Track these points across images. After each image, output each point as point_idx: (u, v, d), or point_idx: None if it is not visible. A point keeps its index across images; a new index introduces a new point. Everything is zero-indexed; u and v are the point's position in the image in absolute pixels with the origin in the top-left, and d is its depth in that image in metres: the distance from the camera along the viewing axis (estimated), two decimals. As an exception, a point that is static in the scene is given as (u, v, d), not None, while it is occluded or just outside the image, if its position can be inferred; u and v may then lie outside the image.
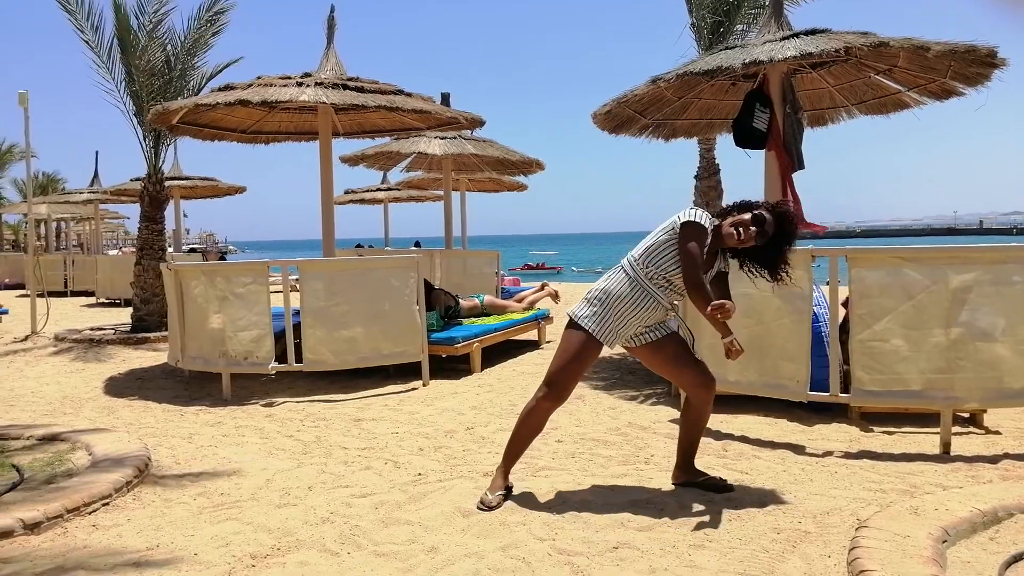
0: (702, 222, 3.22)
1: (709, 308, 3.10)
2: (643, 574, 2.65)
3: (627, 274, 3.34)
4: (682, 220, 3.24)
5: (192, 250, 23.39)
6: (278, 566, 2.79)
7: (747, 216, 3.25)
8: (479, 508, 3.32)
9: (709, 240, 3.26)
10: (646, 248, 3.34)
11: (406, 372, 6.43)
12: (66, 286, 17.77)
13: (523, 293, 9.38)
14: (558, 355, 3.36)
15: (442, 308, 7.35)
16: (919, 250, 4.20)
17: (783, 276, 3.36)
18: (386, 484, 3.72)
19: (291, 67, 7.02)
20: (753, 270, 3.40)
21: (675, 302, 3.41)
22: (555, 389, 3.35)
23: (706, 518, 3.16)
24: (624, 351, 7.52)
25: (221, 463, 4.15)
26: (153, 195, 9.53)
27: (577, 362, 3.32)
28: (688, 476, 3.58)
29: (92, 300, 15.85)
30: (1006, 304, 4.01)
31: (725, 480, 3.55)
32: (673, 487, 3.55)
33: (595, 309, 3.34)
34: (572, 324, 3.37)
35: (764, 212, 3.25)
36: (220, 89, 6.68)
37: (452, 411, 5.27)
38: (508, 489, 3.48)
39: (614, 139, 7.57)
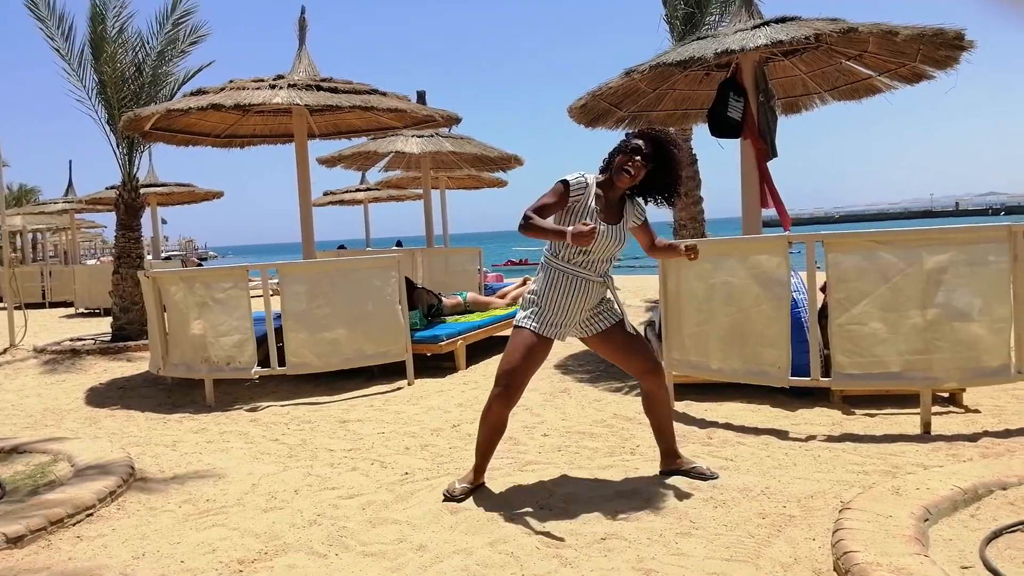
0: (568, 178, 3.30)
1: (577, 229, 3.04)
2: (630, 563, 2.67)
3: (547, 266, 3.39)
4: None
5: (168, 258, 23.18)
6: (266, 570, 2.78)
7: (625, 154, 3.31)
8: (444, 496, 3.38)
9: (587, 198, 3.29)
10: None
11: (391, 372, 6.41)
12: (44, 297, 17.56)
13: (505, 289, 9.37)
14: (506, 355, 3.38)
15: (424, 307, 7.34)
16: (893, 233, 4.24)
17: (680, 196, 3.48)
18: (373, 484, 3.71)
19: (263, 70, 6.96)
20: (659, 200, 3.46)
21: (604, 273, 3.39)
22: (506, 389, 3.35)
23: (692, 506, 3.18)
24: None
25: (206, 469, 4.13)
26: (128, 203, 9.43)
27: (524, 361, 3.33)
28: (671, 464, 3.62)
29: (71, 311, 15.67)
30: (981, 284, 4.07)
31: (709, 468, 3.59)
32: (660, 477, 3.57)
33: (531, 309, 3.38)
34: (516, 326, 3.42)
35: (634, 140, 3.32)
36: (192, 94, 6.62)
37: (438, 409, 5.27)
38: (478, 487, 3.50)
39: (592, 132, 7.59)
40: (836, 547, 2.57)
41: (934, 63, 6.05)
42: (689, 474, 3.54)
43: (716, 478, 3.51)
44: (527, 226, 3.19)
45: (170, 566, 2.86)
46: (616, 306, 3.49)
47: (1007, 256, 4.05)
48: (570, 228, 3.08)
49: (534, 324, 3.34)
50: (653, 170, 3.35)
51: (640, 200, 3.49)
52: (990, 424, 4.22)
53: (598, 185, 3.36)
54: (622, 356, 3.49)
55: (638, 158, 3.29)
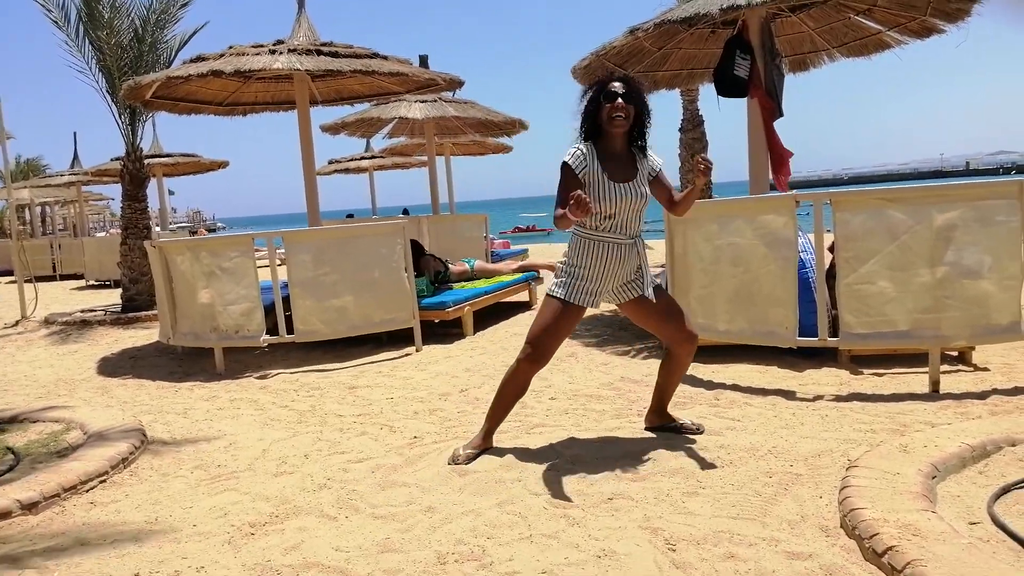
0: (567, 159, 3.26)
1: (571, 204, 2.96)
2: (637, 522, 2.69)
3: (574, 236, 3.37)
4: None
5: (175, 230, 23.14)
6: (277, 533, 2.82)
7: (606, 101, 3.23)
8: (448, 462, 3.41)
9: (594, 163, 3.25)
10: None
11: (398, 339, 6.43)
12: (54, 270, 17.66)
13: (508, 261, 9.41)
14: (537, 320, 3.37)
15: (431, 273, 7.33)
16: (902, 191, 4.19)
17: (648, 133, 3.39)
18: (382, 448, 3.74)
19: (263, 36, 6.88)
20: (649, 152, 3.39)
21: (634, 234, 3.34)
22: (537, 351, 3.35)
23: (699, 466, 3.19)
24: (611, 309, 7.54)
25: (217, 436, 4.17)
26: (133, 173, 9.41)
27: (556, 327, 3.33)
28: (661, 420, 3.68)
29: (81, 283, 15.75)
30: (991, 241, 4.02)
31: (697, 424, 3.65)
32: (666, 438, 3.58)
33: (562, 279, 3.37)
34: (548, 294, 3.41)
35: (609, 86, 3.24)
36: (192, 60, 6.55)
37: (446, 375, 5.29)
38: (486, 450, 3.52)
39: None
40: (843, 504, 2.58)
41: (945, 16, 5.94)
42: (677, 430, 3.62)
43: (701, 432, 3.59)
44: (555, 222, 3.20)
45: (183, 530, 2.90)
46: (648, 273, 3.44)
47: (1018, 213, 4.00)
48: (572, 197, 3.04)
49: (562, 292, 3.33)
50: (637, 107, 3.27)
51: (651, 150, 3.41)
52: (999, 382, 4.21)
53: (595, 147, 3.31)
54: (656, 322, 3.44)
55: (620, 100, 3.21)
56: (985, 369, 4.50)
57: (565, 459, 3.38)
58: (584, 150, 3.28)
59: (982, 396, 3.92)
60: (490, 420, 3.54)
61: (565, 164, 3.26)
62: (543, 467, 3.29)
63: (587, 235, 3.31)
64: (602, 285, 3.35)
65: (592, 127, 3.31)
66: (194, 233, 17.22)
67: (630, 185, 3.27)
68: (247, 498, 3.19)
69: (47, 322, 9.10)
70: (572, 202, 2.94)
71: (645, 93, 3.34)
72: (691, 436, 3.57)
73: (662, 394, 3.66)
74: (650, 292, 3.37)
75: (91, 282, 15.34)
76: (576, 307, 3.34)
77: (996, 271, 4.02)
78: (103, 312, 9.45)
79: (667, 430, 3.65)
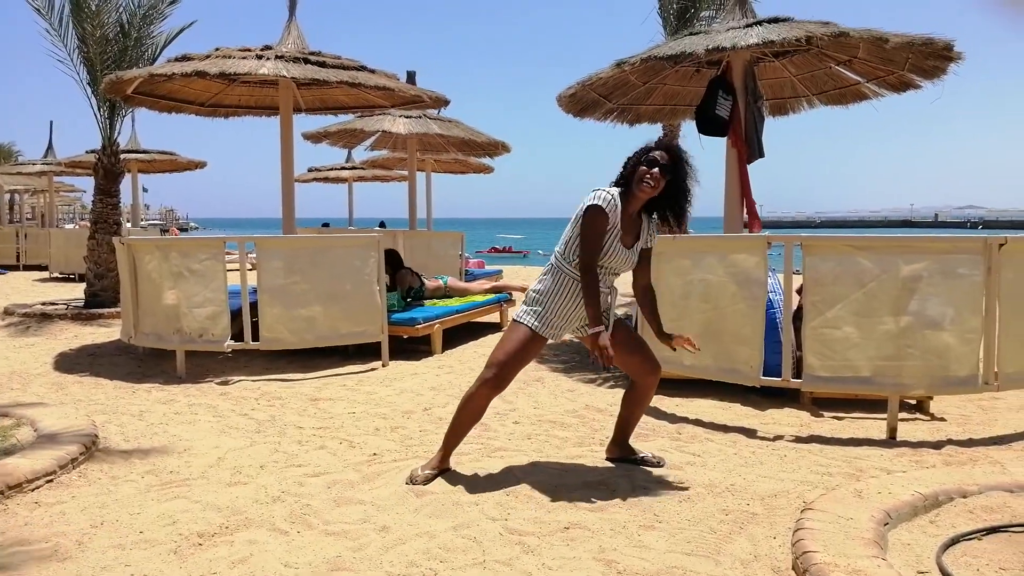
0: (601, 204, 3.24)
1: (597, 349, 3.21)
2: (592, 554, 2.67)
3: (558, 270, 3.37)
4: (585, 206, 3.28)
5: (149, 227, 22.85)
6: (226, 544, 2.76)
7: (645, 165, 3.25)
8: (406, 482, 3.37)
9: (616, 218, 3.26)
10: (566, 242, 3.36)
11: (366, 352, 6.38)
12: (18, 260, 17.29)
13: (480, 282, 9.42)
14: (502, 344, 3.38)
15: (406, 287, 7.31)
16: (871, 239, 4.27)
17: (687, 213, 3.41)
18: (340, 464, 3.69)
19: (251, 40, 6.86)
20: (669, 217, 3.39)
21: (611, 284, 3.43)
22: (499, 377, 3.35)
23: (657, 499, 3.20)
24: (579, 338, 7.56)
25: (172, 441, 4.09)
26: (108, 168, 9.28)
27: (522, 355, 3.35)
28: (622, 452, 3.70)
29: (45, 275, 15.44)
30: (955, 294, 4.10)
31: (658, 458, 3.67)
32: (627, 469, 3.58)
33: (535, 308, 3.38)
34: (515, 320, 3.42)
35: (654, 152, 3.27)
36: (177, 59, 6.51)
37: (411, 392, 5.25)
38: (443, 471, 3.49)
39: (580, 122, 7.57)
40: (796, 546, 2.59)
41: (922, 72, 6.09)
42: (637, 463, 3.63)
43: (662, 465, 3.61)
44: (582, 277, 3.25)
45: (128, 536, 2.83)
46: (611, 312, 3.43)
47: (981, 268, 4.09)
48: (600, 337, 3.19)
49: (535, 323, 3.35)
50: (668, 183, 3.29)
51: (654, 222, 3.44)
52: (955, 432, 4.28)
53: (621, 198, 3.30)
54: (621, 354, 3.44)
55: (657, 170, 3.23)
56: (942, 419, 4.57)
57: (524, 485, 3.36)
58: (614, 197, 3.26)
59: (937, 446, 3.98)
60: (447, 443, 3.52)
61: (598, 208, 3.22)
62: (501, 492, 3.27)
63: (571, 273, 3.33)
64: (569, 323, 3.40)
65: (625, 181, 3.33)
66: (165, 232, 17.00)
67: (631, 251, 3.34)
68: (198, 507, 3.12)
69: (6, 312, 8.89)
70: (602, 352, 3.17)
71: (689, 174, 3.32)
72: (651, 469, 3.58)
73: (625, 426, 3.67)
74: (609, 327, 3.36)
75: (55, 274, 15.04)
76: (541, 339, 3.36)
77: (957, 324, 4.11)
78: (65, 306, 9.27)
79: (628, 462, 3.66)
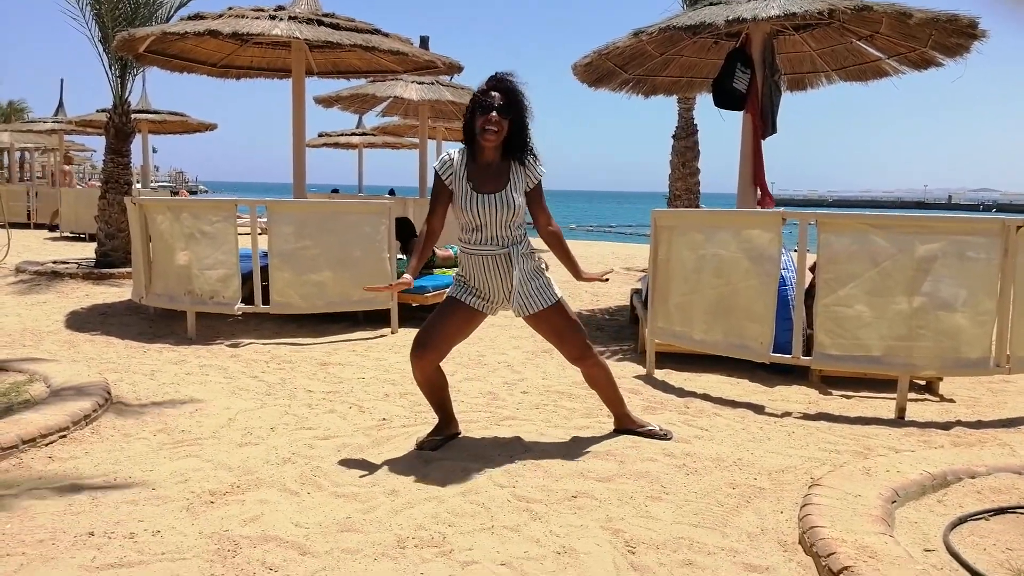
0: (436, 165, 3.34)
1: (391, 284, 3.31)
2: (599, 522, 2.70)
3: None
4: None
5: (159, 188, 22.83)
6: (237, 503, 2.79)
7: (481, 111, 3.16)
8: (416, 447, 3.41)
9: (458, 170, 3.26)
10: None
11: (375, 319, 6.39)
12: (29, 218, 17.35)
13: None
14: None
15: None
16: (887, 218, 4.24)
17: (530, 146, 3.30)
18: (350, 428, 3.72)
19: (265, 1, 6.79)
20: (529, 158, 3.30)
21: (508, 244, 3.27)
22: (417, 341, 3.36)
23: (665, 471, 3.21)
24: (589, 310, 7.55)
25: (183, 401, 4.12)
26: (119, 127, 9.26)
27: (440, 320, 3.35)
28: (622, 424, 3.71)
29: (56, 234, 15.48)
30: (969, 276, 4.07)
31: (662, 428, 3.69)
32: (634, 440, 3.59)
33: (457, 280, 3.45)
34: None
35: (488, 95, 3.18)
36: (190, 18, 6.45)
37: (419, 359, 5.26)
38: (452, 436, 3.53)
39: (592, 93, 7.50)
40: (803, 521, 2.60)
41: (945, 50, 5.99)
42: (644, 435, 3.63)
43: (669, 438, 3.61)
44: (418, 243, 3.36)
45: (141, 492, 2.86)
46: (549, 287, 3.37)
47: (997, 250, 4.05)
48: (403, 278, 3.20)
49: (454, 291, 3.40)
50: (514, 120, 3.20)
51: (534, 162, 3.32)
52: (964, 414, 4.27)
53: (469, 152, 3.29)
54: (554, 340, 3.47)
55: (493, 114, 3.14)
56: (951, 400, 4.57)
57: (532, 454, 3.38)
58: (452, 156, 3.29)
59: (946, 427, 3.98)
60: (435, 412, 3.56)
61: (435, 172, 3.31)
62: (510, 460, 3.29)
63: (462, 248, 3.35)
64: (491, 293, 3.35)
65: (468, 133, 3.27)
66: (175, 194, 16.99)
67: (496, 196, 3.22)
68: (209, 466, 3.16)
69: (18, 270, 8.94)
70: (393, 283, 3.28)
71: (526, 101, 3.23)
72: (659, 441, 3.58)
73: (608, 404, 3.71)
74: (523, 309, 3.30)
75: (66, 233, 15.09)
76: (462, 305, 3.35)
77: (971, 306, 4.08)
78: (76, 265, 9.30)
79: (633, 434, 3.66)
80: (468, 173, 3.26)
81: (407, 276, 3.22)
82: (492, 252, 3.27)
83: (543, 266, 3.41)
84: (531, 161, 3.31)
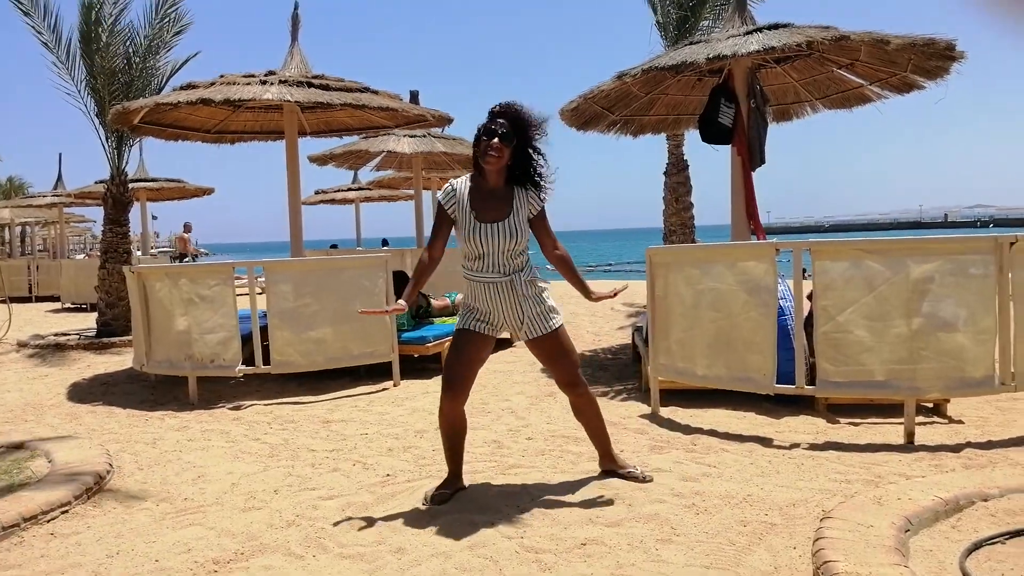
0: (439, 195, 3.37)
1: (386, 309, 3.44)
2: (610, 570, 2.65)
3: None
4: None
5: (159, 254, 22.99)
6: (241, 571, 2.75)
7: (485, 137, 3.23)
8: (421, 502, 3.37)
9: (461, 199, 3.29)
10: None
11: (377, 373, 6.38)
12: (31, 291, 17.42)
13: None
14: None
15: (413, 307, 7.31)
16: (880, 242, 4.25)
17: (544, 173, 3.34)
18: (354, 485, 3.68)
19: (255, 66, 6.92)
20: (533, 185, 3.34)
21: (511, 272, 3.31)
22: (446, 382, 3.36)
23: (674, 512, 3.16)
24: (591, 350, 7.53)
25: (185, 468, 4.08)
26: (116, 197, 9.37)
27: (457, 353, 3.36)
28: (607, 465, 3.67)
29: (58, 305, 15.54)
30: (967, 294, 4.07)
31: (643, 472, 3.62)
32: (643, 484, 3.55)
33: (462, 312, 3.46)
34: None
35: (490, 122, 3.24)
36: (182, 88, 6.57)
37: (423, 411, 5.23)
38: (457, 490, 3.48)
39: (583, 135, 7.58)
40: (816, 556, 2.55)
41: (925, 73, 6.08)
42: (625, 477, 3.59)
43: (650, 481, 3.55)
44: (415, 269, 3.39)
45: (144, 565, 2.82)
46: (551, 313, 3.41)
47: (992, 267, 4.05)
48: (397, 303, 3.29)
49: (461, 323, 3.42)
50: (519, 147, 3.26)
51: (535, 190, 3.35)
52: (973, 435, 4.22)
53: (472, 180, 3.35)
54: (548, 365, 3.55)
55: (495, 140, 3.21)
56: (960, 422, 4.52)
57: (539, 502, 3.34)
58: (456, 186, 3.33)
59: (956, 449, 3.93)
60: (447, 462, 3.52)
61: (438, 202, 3.36)
62: (516, 509, 3.25)
63: (465, 276, 3.38)
64: (494, 317, 3.38)
65: (475, 158, 3.33)
66: (177, 258, 17.13)
67: (499, 225, 3.26)
68: (212, 533, 3.12)
69: (20, 345, 8.95)
70: (389, 308, 3.36)
71: (535, 128, 3.29)
72: (667, 482, 3.53)
73: (592, 438, 3.68)
74: (524, 334, 3.40)
75: (67, 304, 15.14)
76: (472, 333, 3.36)
77: (971, 324, 4.06)
78: (77, 336, 9.32)
79: (616, 476, 3.62)
80: (472, 200, 3.29)
81: (401, 302, 3.28)
82: (494, 280, 3.31)
83: (547, 293, 3.45)
84: (533, 188, 3.36)
